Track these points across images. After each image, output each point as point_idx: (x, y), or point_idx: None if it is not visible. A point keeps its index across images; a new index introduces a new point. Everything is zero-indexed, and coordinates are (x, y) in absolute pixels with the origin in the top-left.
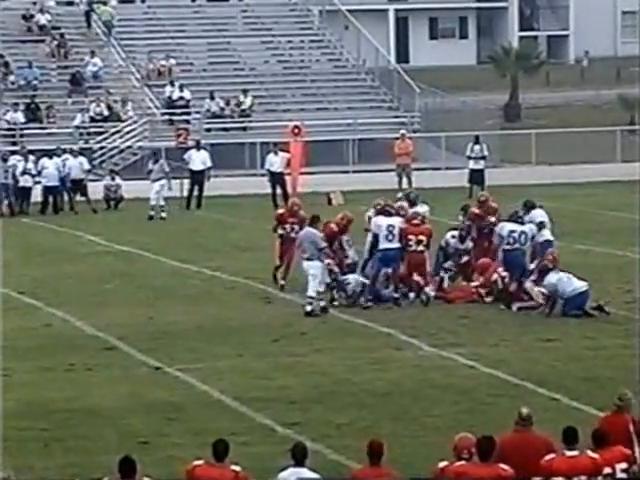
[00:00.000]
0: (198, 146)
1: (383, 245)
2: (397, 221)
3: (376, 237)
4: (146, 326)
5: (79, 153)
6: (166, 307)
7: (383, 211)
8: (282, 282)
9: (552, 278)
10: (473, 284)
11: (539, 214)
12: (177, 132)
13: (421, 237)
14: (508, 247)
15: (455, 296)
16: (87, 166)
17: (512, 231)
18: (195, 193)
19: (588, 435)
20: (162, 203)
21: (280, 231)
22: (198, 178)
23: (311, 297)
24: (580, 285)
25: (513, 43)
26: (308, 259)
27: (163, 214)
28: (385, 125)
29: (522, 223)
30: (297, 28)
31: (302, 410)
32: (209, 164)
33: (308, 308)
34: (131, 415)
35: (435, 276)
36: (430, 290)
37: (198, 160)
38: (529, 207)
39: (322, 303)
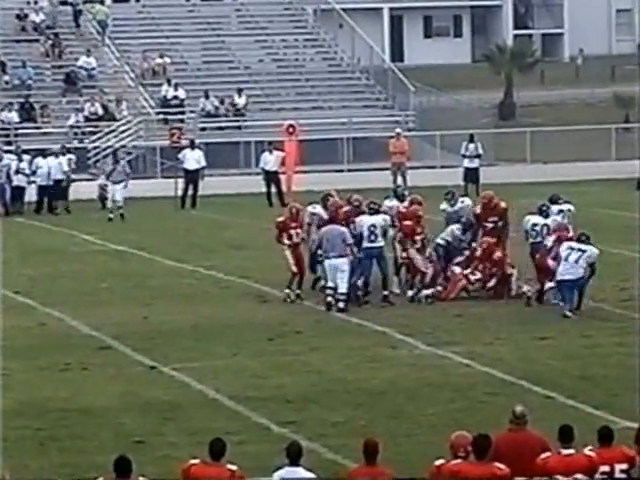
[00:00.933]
0: (192, 145)
1: (366, 244)
2: (379, 219)
3: (358, 237)
4: (141, 325)
5: (61, 154)
6: (161, 306)
7: (363, 210)
8: (298, 291)
9: (562, 253)
10: (465, 271)
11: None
12: (171, 131)
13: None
14: (531, 240)
15: (447, 292)
16: (66, 167)
17: (535, 224)
18: (190, 192)
19: (584, 433)
20: (121, 204)
21: (287, 241)
22: (192, 177)
23: (344, 294)
24: (565, 274)
25: (508, 41)
26: (339, 256)
27: (121, 211)
28: (380, 124)
29: (547, 216)
30: (291, 27)
31: (297, 409)
32: (203, 163)
33: (341, 305)
34: (126, 414)
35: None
36: (426, 292)
37: (192, 159)
38: (553, 201)
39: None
